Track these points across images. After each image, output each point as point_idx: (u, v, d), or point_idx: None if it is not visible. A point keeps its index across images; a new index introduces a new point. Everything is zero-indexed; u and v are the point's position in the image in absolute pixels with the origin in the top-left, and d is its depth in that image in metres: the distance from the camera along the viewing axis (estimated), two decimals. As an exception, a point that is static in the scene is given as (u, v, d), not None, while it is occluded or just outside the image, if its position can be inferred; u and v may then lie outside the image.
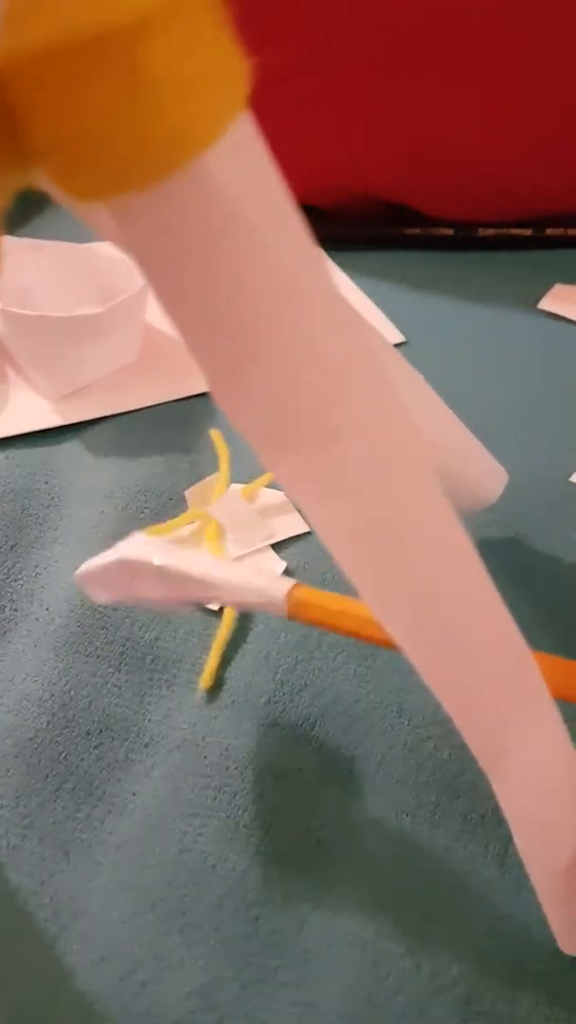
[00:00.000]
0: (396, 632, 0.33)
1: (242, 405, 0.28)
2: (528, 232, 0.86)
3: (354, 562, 0.32)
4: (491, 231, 0.86)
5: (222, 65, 0.22)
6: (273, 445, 0.29)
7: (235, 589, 0.43)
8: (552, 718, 0.34)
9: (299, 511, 0.30)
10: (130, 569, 0.43)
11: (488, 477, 0.53)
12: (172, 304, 0.26)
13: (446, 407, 0.47)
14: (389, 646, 0.41)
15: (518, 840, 0.35)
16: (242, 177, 0.24)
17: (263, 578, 0.43)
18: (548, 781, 0.34)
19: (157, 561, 0.42)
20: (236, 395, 0.28)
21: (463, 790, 0.44)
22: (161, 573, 0.43)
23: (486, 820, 0.43)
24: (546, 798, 0.34)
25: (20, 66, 0.20)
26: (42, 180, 0.23)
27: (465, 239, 0.87)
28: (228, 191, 0.23)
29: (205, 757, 0.45)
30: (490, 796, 0.43)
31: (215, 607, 0.53)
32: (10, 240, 0.71)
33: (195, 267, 0.24)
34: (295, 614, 0.42)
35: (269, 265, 0.25)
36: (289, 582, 0.42)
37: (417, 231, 0.87)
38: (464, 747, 0.45)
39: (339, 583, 0.54)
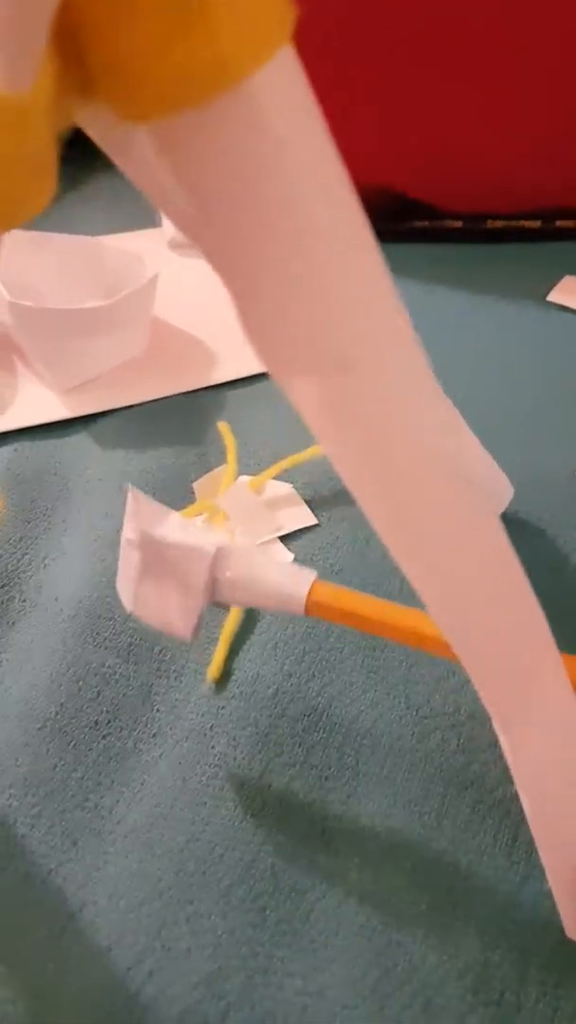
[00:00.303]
0: (410, 570, 0.33)
1: (266, 325, 0.29)
2: (537, 224, 0.86)
3: (364, 492, 0.32)
4: (500, 223, 0.86)
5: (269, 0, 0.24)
6: (292, 367, 0.29)
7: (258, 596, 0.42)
8: (566, 693, 0.34)
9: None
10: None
11: (495, 489, 0.53)
12: (206, 224, 0.27)
13: (458, 415, 0.47)
14: (405, 642, 0.41)
15: (532, 823, 0.35)
16: (285, 106, 0.25)
17: (286, 580, 0.42)
18: (563, 761, 0.34)
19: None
20: (261, 315, 0.29)
21: (471, 781, 0.44)
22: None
23: (494, 811, 0.42)
24: (561, 777, 0.35)
25: None
26: (93, 111, 0.25)
27: (474, 231, 0.86)
28: (272, 116, 0.25)
29: (213, 747, 0.46)
30: (498, 786, 0.43)
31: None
32: (18, 233, 0.71)
33: (234, 188, 0.25)
34: (313, 612, 0.42)
35: (305, 190, 0.26)
36: (310, 579, 0.42)
37: (426, 223, 0.87)
38: (472, 738, 0.45)
39: (345, 574, 0.54)
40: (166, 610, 0.42)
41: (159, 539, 0.41)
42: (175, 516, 0.43)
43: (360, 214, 0.28)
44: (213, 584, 0.42)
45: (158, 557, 0.42)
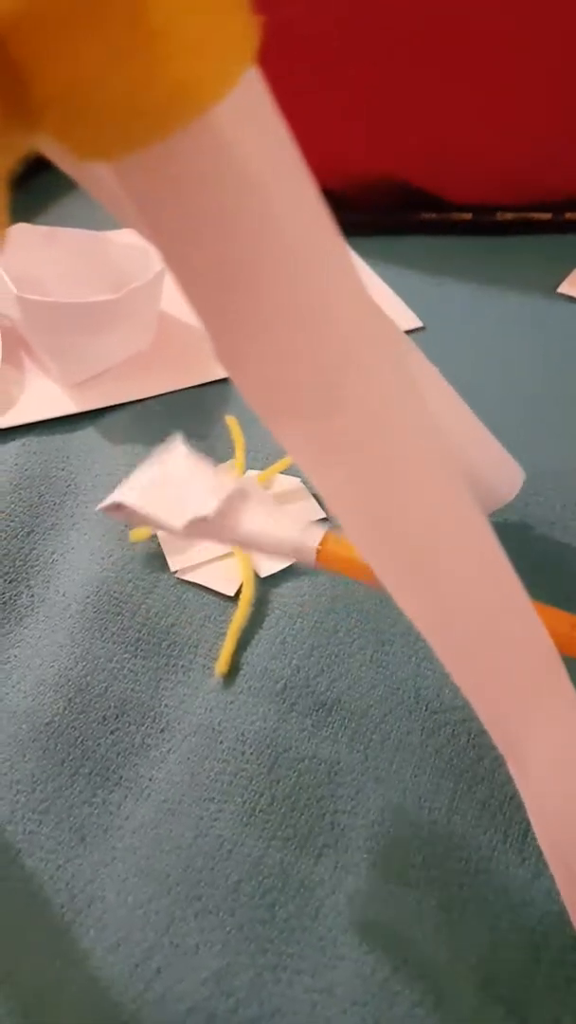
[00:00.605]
0: (404, 604, 0.32)
1: (245, 367, 0.28)
2: (547, 216, 0.85)
3: (355, 531, 0.31)
4: (509, 215, 0.85)
5: (229, 20, 0.22)
6: (275, 410, 0.28)
7: (269, 543, 0.43)
8: (571, 708, 0.34)
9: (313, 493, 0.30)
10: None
11: (506, 476, 0.52)
12: (176, 262, 0.25)
13: (463, 403, 0.46)
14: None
15: (538, 832, 0.35)
16: (250, 135, 0.23)
17: (295, 530, 0.43)
18: (567, 775, 0.34)
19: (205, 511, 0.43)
20: (240, 356, 0.27)
21: (482, 777, 0.43)
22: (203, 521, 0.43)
23: (505, 807, 0.42)
24: (565, 791, 0.34)
25: (23, 15, 0.19)
26: (45, 142, 0.23)
27: (483, 224, 0.86)
28: (235, 149, 0.23)
29: (221, 742, 0.45)
30: (509, 782, 0.43)
31: (231, 592, 0.52)
32: (25, 227, 0.71)
33: (200, 226, 0.24)
34: (324, 563, 0.42)
35: (278, 225, 0.24)
36: (320, 532, 0.43)
37: (435, 216, 0.86)
38: (483, 733, 0.44)
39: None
40: (164, 508, 0.43)
41: (192, 461, 0.44)
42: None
43: (337, 241, 0.26)
44: (221, 513, 0.42)
45: (182, 472, 0.43)
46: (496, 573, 0.32)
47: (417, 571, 0.31)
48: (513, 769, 0.34)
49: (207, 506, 0.43)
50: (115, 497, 0.45)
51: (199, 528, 0.43)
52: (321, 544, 0.42)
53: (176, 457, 0.45)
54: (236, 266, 0.25)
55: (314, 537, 0.42)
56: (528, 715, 0.33)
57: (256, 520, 0.43)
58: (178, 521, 0.43)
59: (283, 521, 0.43)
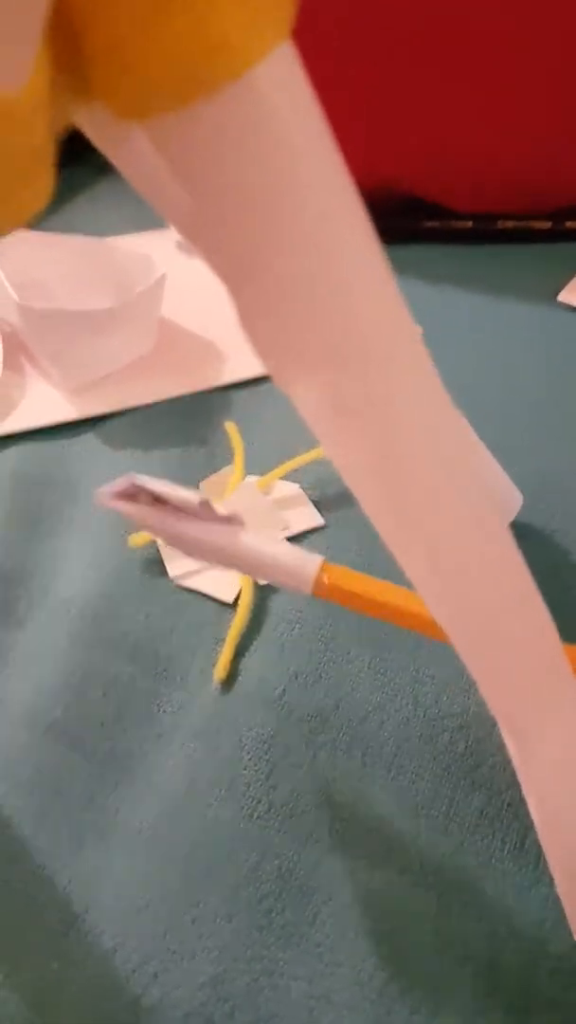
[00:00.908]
0: (412, 572, 0.32)
1: (261, 318, 0.29)
2: (547, 225, 0.86)
3: (370, 497, 0.31)
4: (510, 223, 0.86)
5: None
6: (293, 368, 0.29)
7: (266, 567, 0.42)
8: None
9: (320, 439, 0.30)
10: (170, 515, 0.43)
11: (504, 498, 0.53)
12: (205, 224, 0.27)
13: (465, 423, 0.47)
14: (417, 628, 0.41)
15: (540, 831, 0.35)
16: (287, 102, 0.25)
17: (294, 556, 0.43)
18: (573, 775, 0.34)
19: (193, 532, 0.42)
20: (257, 307, 0.28)
21: (480, 783, 0.43)
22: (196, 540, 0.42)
23: (503, 814, 0.42)
24: (570, 791, 0.34)
25: None
26: (89, 111, 0.24)
27: (484, 232, 0.86)
28: (273, 113, 0.24)
29: (218, 748, 0.45)
30: (507, 789, 0.43)
31: (230, 599, 0.53)
32: (28, 234, 0.71)
33: (233, 186, 0.25)
34: (322, 594, 0.42)
35: (308, 190, 0.26)
36: (317, 562, 0.42)
37: (435, 224, 0.87)
38: (481, 741, 0.45)
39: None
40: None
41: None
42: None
43: (361, 212, 0.28)
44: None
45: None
46: (508, 560, 0.32)
47: (430, 542, 0.31)
48: (518, 764, 0.34)
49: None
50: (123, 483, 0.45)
51: (207, 530, 0.42)
52: (318, 576, 0.42)
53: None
54: (265, 227, 0.26)
55: (311, 570, 0.42)
56: (540, 709, 0.33)
57: (255, 543, 0.42)
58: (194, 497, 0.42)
59: (281, 549, 0.42)
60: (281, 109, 0.24)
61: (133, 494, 0.43)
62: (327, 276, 0.27)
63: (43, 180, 0.23)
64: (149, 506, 0.43)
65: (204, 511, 0.42)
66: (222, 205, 0.26)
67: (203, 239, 0.27)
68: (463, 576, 0.32)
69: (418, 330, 0.42)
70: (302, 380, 0.29)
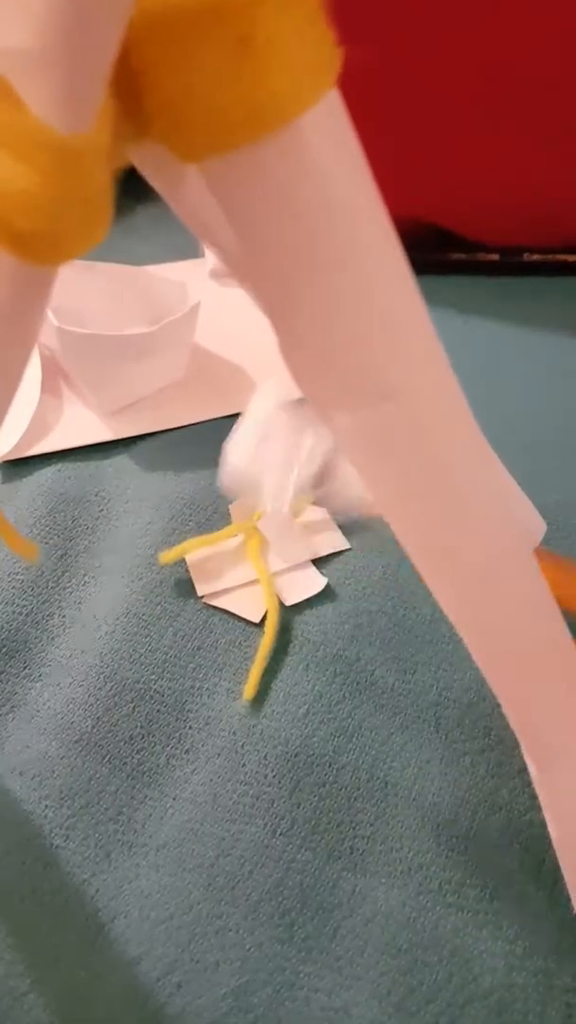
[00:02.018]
0: (442, 598, 0.34)
1: (302, 350, 0.30)
2: (573, 258, 0.87)
3: (402, 522, 0.33)
4: (537, 256, 0.87)
5: (318, 41, 0.25)
6: (332, 398, 0.30)
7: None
8: None
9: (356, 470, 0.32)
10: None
11: (528, 526, 0.53)
12: (252, 256, 0.28)
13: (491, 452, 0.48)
14: None
15: (560, 852, 0.36)
16: (330, 145, 0.26)
17: None
18: None
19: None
20: (300, 345, 0.30)
21: (500, 805, 0.44)
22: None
23: (522, 836, 0.43)
24: None
25: (148, 29, 0.23)
26: (146, 151, 0.26)
27: (511, 264, 0.88)
28: (317, 155, 0.26)
29: (244, 765, 0.46)
30: (527, 812, 0.44)
31: (256, 619, 0.54)
32: (66, 261, 0.73)
33: (279, 222, 0.27)
34: None
35: (349, 227, 0.27)
36: None
37: (462, 256, 0.88)
38: (501, 764, 0.46)
39: (377, 598, 0.55)
40: (271, 475, 0.46)
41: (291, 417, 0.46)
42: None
43: (398, 247, 0.29)
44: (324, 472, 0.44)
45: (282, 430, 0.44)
46: (534, 583, 0.33)
47: (460, 570, 0.32)
48: (539, 785, 0.35)
49: (311, 466, 0.44)
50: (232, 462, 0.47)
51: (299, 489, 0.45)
52: None
53: (271, 415, 0.47)
54: (308, 263, 0.28)
55: None
56: (563, 731, 0.34)
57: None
58: (282, 493, 0.44)
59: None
60: (324, 153, 0.26)
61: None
62: (368, 313, 0.28)
63: (104, 215, 0.25)
64: None
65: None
66: (267, 242, 0.27)
67: (248, 273, 0.29)
68: (491, 602, 0.33)
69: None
70: (340, 410, 0.30)
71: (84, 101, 0.22)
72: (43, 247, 0.24)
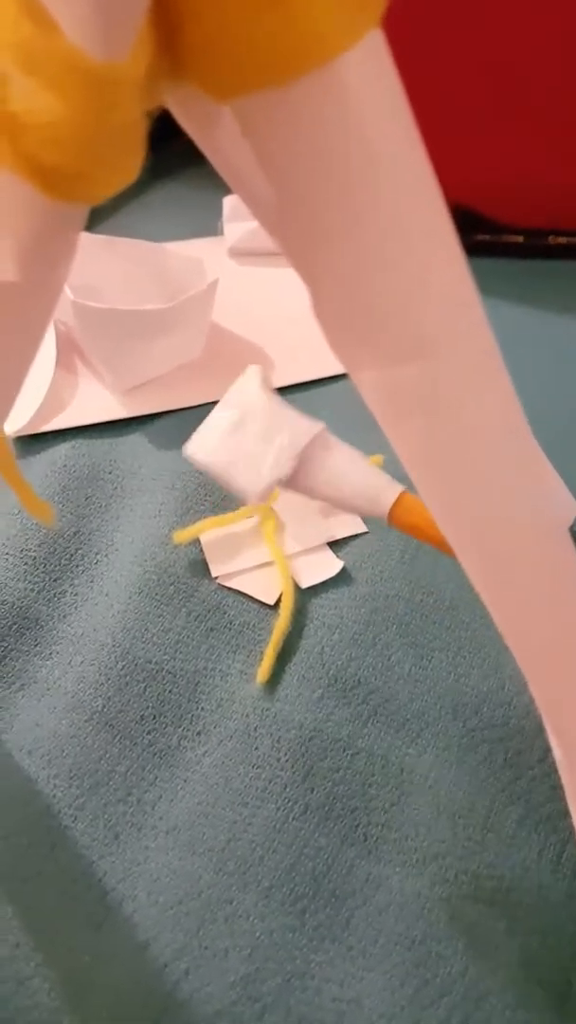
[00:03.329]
0: (468, 564, 0.32)
1: (336, 310, 0.29)
2: (600, 241, 0.85)
3: (429, 486, 0.31)
4: (562, 239, 0.85)
5: None
6: (364, 355, 0.29)
7: (348, 496, 0.43)
8: None
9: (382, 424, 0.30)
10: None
11: (560, 504, 0.52)
12: (284, 204, 0.27)
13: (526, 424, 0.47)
14: None
15: None
16: (371, 88, 0.25)
17: (375, 482, 0.43)
18: None
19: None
20: (332, 299, 0.29)
21: (518, 795, 0.43)
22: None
23: (541, 827, 0.42)
24: None
25: None
26: (181, 92, 0.25)
27: (535, 247, 0.86)
28: (358, 97, 0.25)
29: (256, 748, 0.45)
30: (546, 803, 0.42)
31: (271, 601, 0.53)
32: (85, 236, 0.72)
33: (314, 167, 0.26)
34: (396, 525, 0.43)
35: (385, 174, 0.26)
36: (397, 491, 0.43)
37: (487, 237, 0.86)
38: (521, 753, 0.44)
39: (394, 582, 0.54)
40: (240, 467, 0.43)
41: (272, 403, 0.44)
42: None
43: (440, 200, 0.28)
44: (300, 465, 0.42)
45: (260, 418, 0.43)
46: (568, 560, 0.32)
47: (485, 536, 0.31)
48: (564, 770, 0.34)
49: (283, 465, 0.43)
50: (194, 454, 0.46)
51: (273, 484, 0.44)
52: (395, 505, 0.43)
53: (251, 396, 0.45)
54: (346, 211, 0.26)
55: (389, 497, 0.43)
56: None
57: (331, 476, 0.43)
58: (254, 487, 0.43)
59: (359, 477, 0.43)
60: (364, 95, 0.25)
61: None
62: (405, 264, 0.27)
63: (136, 153, 0.24)
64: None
65: (266, 492, 0.43)
66: (302, 187, 0.26)
67: (280, 222, 0.28)
68: (520, 575, 0.32)
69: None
70: (371, 367, 0.29)
71: (123, 24, 0.21)
72: (72, 183, 0.23)
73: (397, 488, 0.43)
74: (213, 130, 0.26)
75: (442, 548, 0.42)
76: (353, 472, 0.43)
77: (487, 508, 0.31)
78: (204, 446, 0.45)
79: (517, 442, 0.31)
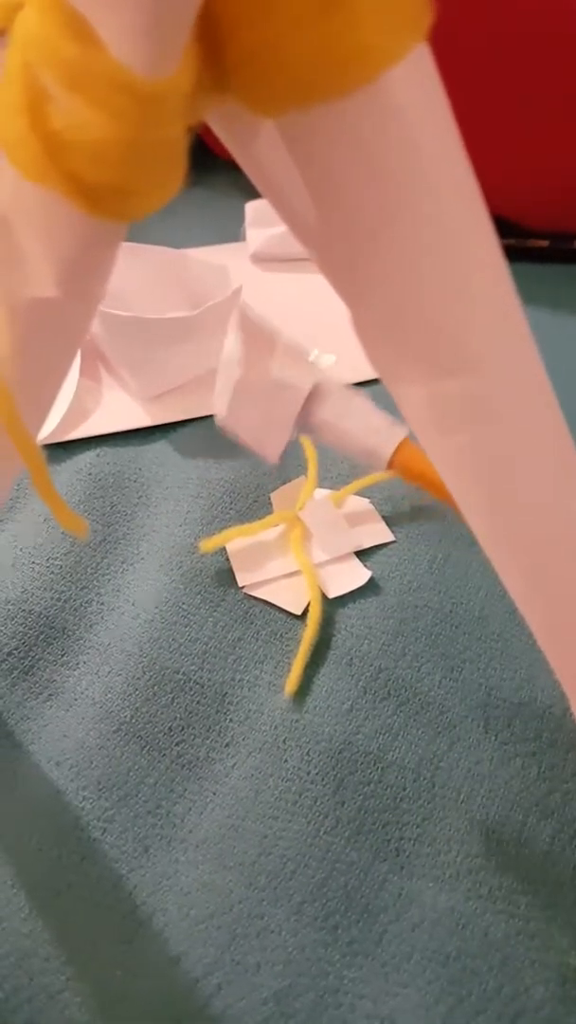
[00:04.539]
0: (509, 579, 0.32)
1: (381, 326, 0.28)
2: (626, 246, 0.84)
3: (474, 498, 0.31)
4: (588, 244, 0.85)
5: None
6: (407, 370, 0.29)
7: (349, 430, 0.44)
8: None
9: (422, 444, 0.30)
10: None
11: None
12: (328, 223, 0.27)
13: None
14: None
15: None
16: (418, 103, 0.25)
17: (377, 426, 0.43)
18: None
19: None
20: (381, 314, 0.28)
21: (552, 810, 0.42)
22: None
23: (575, 841, 0.41)
24: None
25: None
26: (224, 107, 0.25)
27: (560, 251, 0.85)
28: (404, 113, 0.24)
29: (286, 761, 0.45)
30: (580, 818, 0.42)
31: (298, 611, 0.52)
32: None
33: (360, 186, 0.25)
34: (398, 469, 0.43)
35: (429, 189, 0.26)
36: (399, 437, 0.43)
37: (511, 242, 0.86)
38: (554, 767, 0.44)
39: (422, 592, 0.53)
40: (256, 430, 0.45)
41: (260, 368, 0.43)
42: (280, 344, 0.44)
43: (485, 215, 0.27)
44: (304, 419, 0.42)
45: (255, 382, 0.43)
46: None
47: (526, 551, 0.31)
48: None
49: (287, 427, 0.43)
50: (219, 414, 0.46)
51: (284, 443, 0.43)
52: (396, 452, 0.42)
53: (249, 354, 0.45)
54: (389, 225, 0.26)
55: (389, 444, 0.42)
56: None
57: (333, 419, 0.43)
58: (272, 451, 0.43)
59: (361, 421, 0.43)
60: (411, 111, 0.24)
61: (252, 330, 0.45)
62: (449, 279, 0.27)
63: (178, 169, 0.24)
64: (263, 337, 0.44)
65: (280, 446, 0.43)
66: (348, 205, 0.26)
67: (321, 241, 0.27)
68: (565, 588, 0.31)
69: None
70: (414, 383, 0.29)
71: (170, 40, 0.21)
72: (114, 200, 0.23)
73: (397, 436, 0.43)
74: (254, 145, 0.26)
75: (442, 496, 0.42)
76: (350, 425, 0.43)
77: (535, 523, 0.30)
78: (220, 406, 0.46)
79: (563, 452, 0.31)
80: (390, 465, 0.43)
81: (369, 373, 0.67)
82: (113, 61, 0.20)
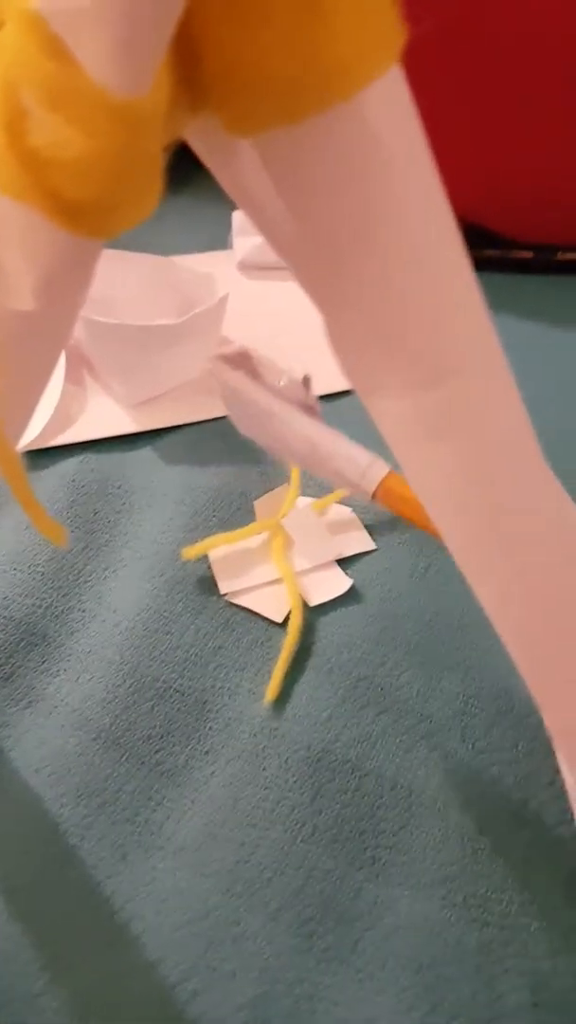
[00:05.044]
0: (481, 590, 0.32)
1: (356, 339, 0.29)
2: (609, 258, 0.85)
3: (450, 508, 0.31)
4: (572, 255, 0.85)
5: (382, 16, 0.24)
6: (383, 383, 0.29)
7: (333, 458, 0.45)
8: None
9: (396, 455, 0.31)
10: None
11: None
12: (305, 239, 0.27)
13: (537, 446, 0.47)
14: None
15: None
16: (393, 121, 0.25)
17: (359, 458, 0.45)
18: None
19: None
20: (356, 328, 0.29)
21: (527, 819, 0.43)
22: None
23: (551, 850, 0.42)
24: None
25: None
26: (201, 124, 0.25)
27: (544, 262, 0.86)
28: (379, 131, 0.25)
29: (264, 769, 0.45)
30: (556, 826, 0.42)
31: (279, 619, 0.53)
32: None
33: (336, 203, 0.26)
34: (381, 500, 0.45)
35: (404, 205, 0.26)
36: (383, 471, 0.44)
37: (495, 253, 0.87)
38: (530, 776, 0.44)
39: (403, 600, 0.54)
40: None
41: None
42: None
43: (455, 230, 0.28)
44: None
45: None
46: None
47: (499, 562, 0.31)
48: (572, 787, 0.34)
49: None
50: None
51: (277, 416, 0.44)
52: (381, 484, 0.44)
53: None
54: (363, 239, 0.26)
55: (375, 476, 0.44)
56: None
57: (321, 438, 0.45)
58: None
59: (343, 452, 0.44)
60: (385, 128, 0.25)
61: (238, 362, 0.45)
62: (423, 291, 0.27)
63: (155, 187, 0.24)
64: (246, 377, 0.45)
65: (289, 391, 0.44)
66: (321, 218, 0.26)
67: (298, 252, 0.28)
68: (543, 600, 0.32)
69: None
70: (390, 396, 0.29)
71: (143, 59, 0.21)
72: (92, 217, 0.23)
73: (381, 470, 0.44)
74: (232, 162, 0.26)
75: (425, 528, 0.43)
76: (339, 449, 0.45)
77: (513, 524, 0.31)
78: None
79: (534, 452, 0.31)
80: (374, 496, 0.44)
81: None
82: (90, 82, 0.21)
